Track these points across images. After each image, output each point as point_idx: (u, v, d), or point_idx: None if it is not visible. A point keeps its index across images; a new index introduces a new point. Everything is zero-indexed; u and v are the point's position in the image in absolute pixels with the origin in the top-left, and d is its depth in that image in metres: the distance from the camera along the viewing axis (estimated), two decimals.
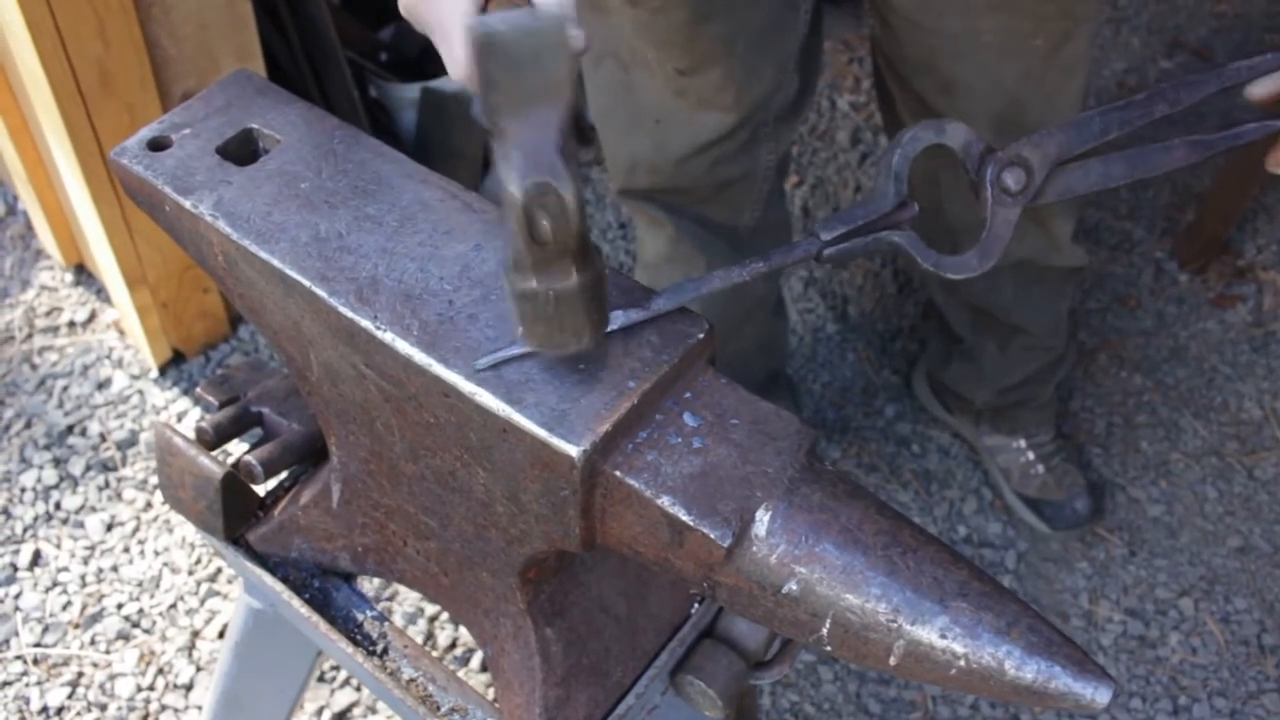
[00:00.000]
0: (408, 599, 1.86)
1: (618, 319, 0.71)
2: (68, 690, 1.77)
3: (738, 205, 1.64)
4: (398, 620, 1.84)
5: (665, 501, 0.66)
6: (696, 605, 0.96)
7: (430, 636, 1.84)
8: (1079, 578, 1.98)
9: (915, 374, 2.19)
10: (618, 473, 0.67)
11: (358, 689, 1.79)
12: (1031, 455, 2.03)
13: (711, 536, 0.65)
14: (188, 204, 0.82)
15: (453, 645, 1.83)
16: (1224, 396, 2.23)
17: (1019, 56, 1.43)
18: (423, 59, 2.48)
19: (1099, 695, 0.61)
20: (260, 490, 1.04)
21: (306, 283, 0.76)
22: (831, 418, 2.17)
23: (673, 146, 1.53)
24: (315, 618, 0.98)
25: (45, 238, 2.31)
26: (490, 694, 0.95)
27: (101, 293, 2.28)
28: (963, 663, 0.62)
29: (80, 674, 1.80)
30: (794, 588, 0.65)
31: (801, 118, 1.64)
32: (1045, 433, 2.05)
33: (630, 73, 1.47)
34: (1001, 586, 0.65)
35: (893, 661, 0.64)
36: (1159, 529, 2.04)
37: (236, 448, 1.78)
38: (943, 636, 0.63)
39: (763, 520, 0.66)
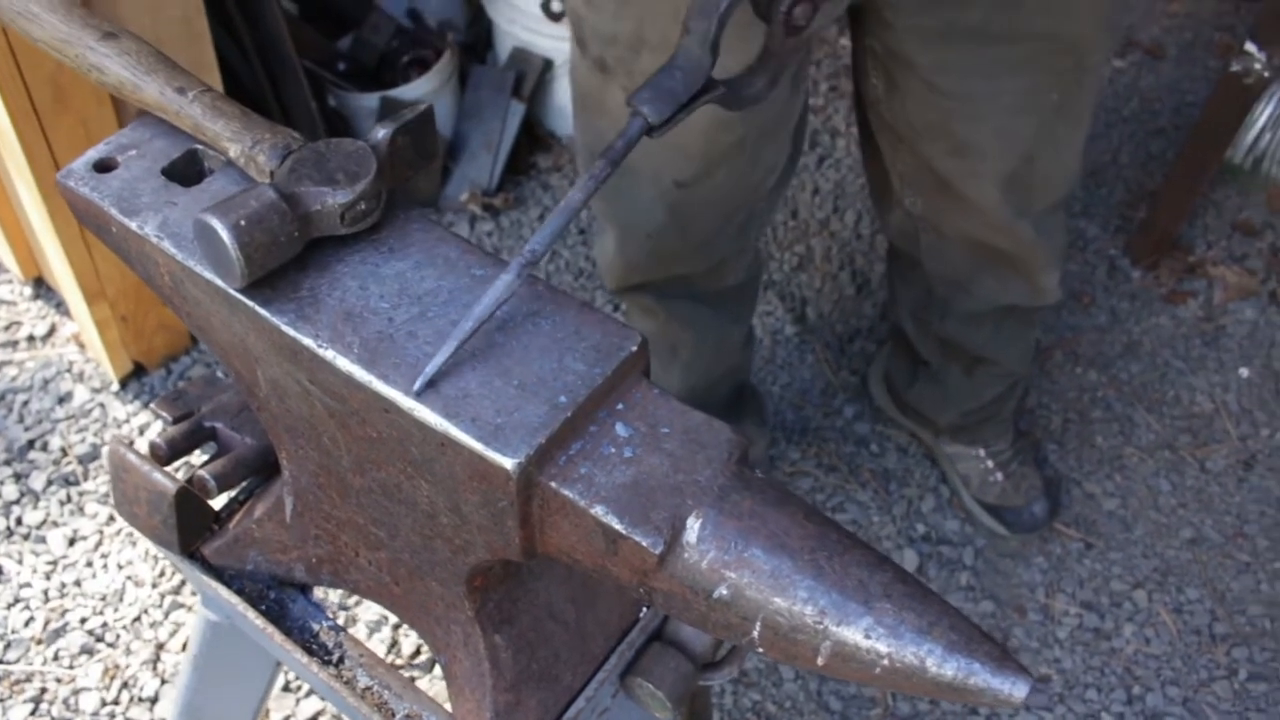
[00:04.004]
0: (371, 607, 1.87)
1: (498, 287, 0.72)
2: (31, 706, 1.77)
3: (725, 274, 1.67)
4: (361, 629, 1.85)
5: (599, 511, 0.68)
6: (644, 610, 0.98)
7: (394, 644, 1.85)
8: (1035, 572, 2.01)
9: (871, 375, 2.21)
10: (553, 484, 0.69)
11: (323, 698, 1.79)
12: (990, 464, 2.05)
13: (644, 544, 0.67)
14: (133, 225, 0.83)
15: (417, 653, 1.84)
16: (1176, 390, 2.27)
17: (1036, 113, 1.38)
18: (381, 68, 2.49)
19: (1016, 690, 0.63)
20: (215, 504, 1.05)
21: (249, 302, 0.77)
22: (791, 419, 2.20)
23: (668, 250, 1.54)
24: (271, 629, 1.00)
25: (3, 251, 2.30)
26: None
27: (61, 306, 2.28)
28: (886, 661, 0.64)
29: (44, 690, 1.80)
30: (724, 592, 0.67)
31: (789, 182, 1.60)
32: (1004, 441, 2.06)
33: (622, 178, 1.40)
34: (926, 587, 0.67)
35: (820, 661, 0.66)
36: (1114, 523, 2.08)
37: (195, 463, 1.78)
38: (867, 636, 0.65)
39: (693, 528, 0.68)
